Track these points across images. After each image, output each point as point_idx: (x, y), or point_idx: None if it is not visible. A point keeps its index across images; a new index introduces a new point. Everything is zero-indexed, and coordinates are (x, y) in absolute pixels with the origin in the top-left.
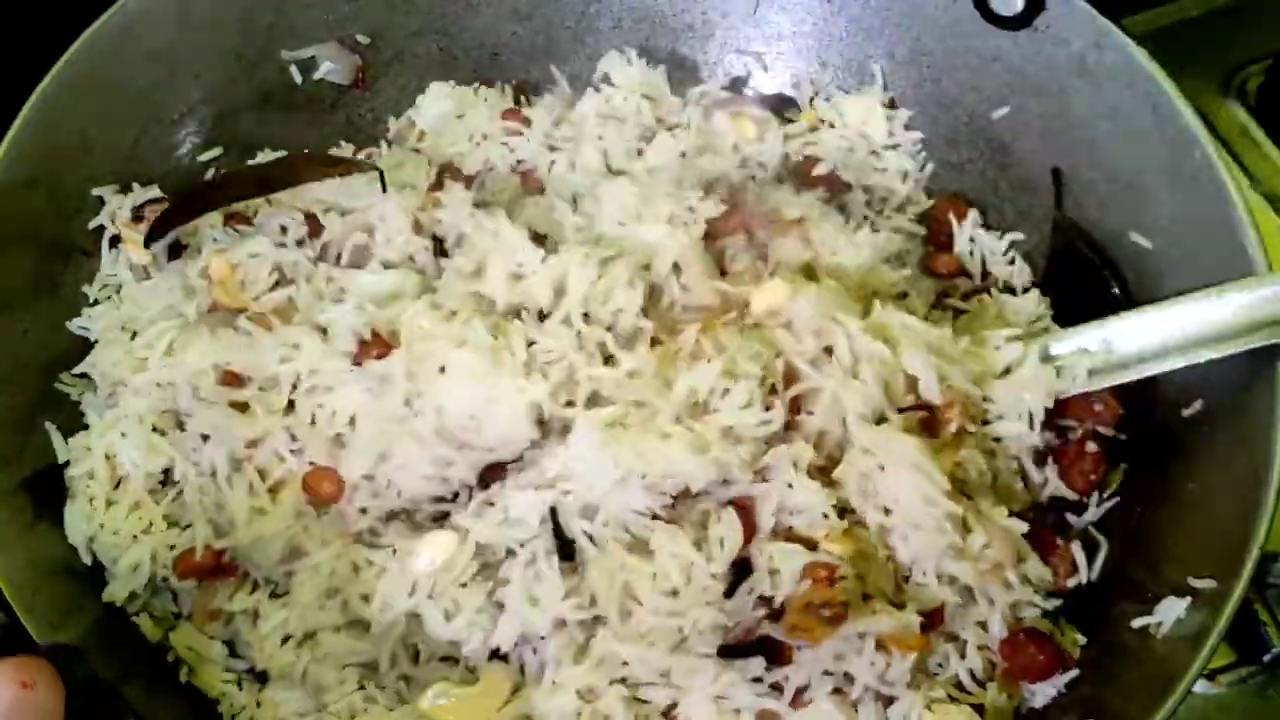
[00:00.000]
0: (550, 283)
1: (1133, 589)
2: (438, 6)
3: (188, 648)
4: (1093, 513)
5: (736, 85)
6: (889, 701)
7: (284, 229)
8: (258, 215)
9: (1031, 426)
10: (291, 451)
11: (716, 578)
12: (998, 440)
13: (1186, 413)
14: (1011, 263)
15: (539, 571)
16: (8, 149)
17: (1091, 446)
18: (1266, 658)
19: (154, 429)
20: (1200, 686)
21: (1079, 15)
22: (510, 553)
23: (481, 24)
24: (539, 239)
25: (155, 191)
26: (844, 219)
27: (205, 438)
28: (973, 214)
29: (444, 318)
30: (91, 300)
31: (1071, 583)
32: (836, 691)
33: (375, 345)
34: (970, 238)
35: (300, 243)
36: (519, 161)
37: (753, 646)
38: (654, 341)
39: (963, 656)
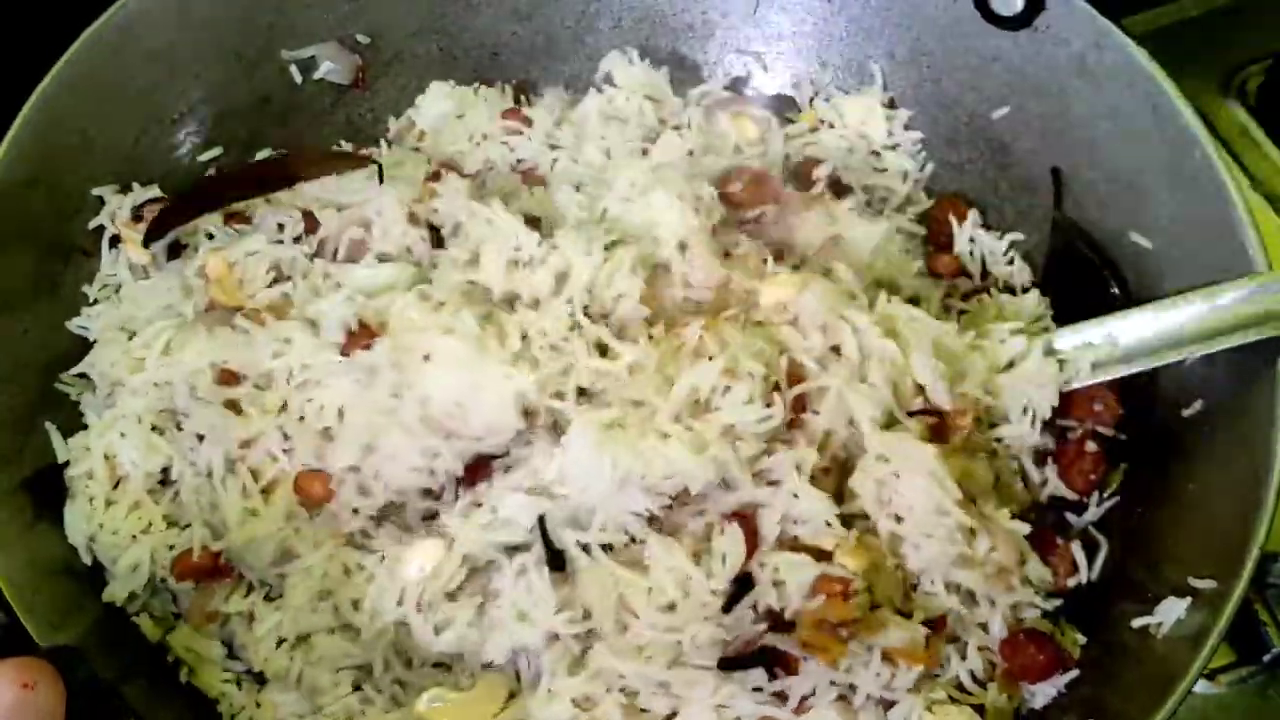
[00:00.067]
0: (550, 269)
1: (1133, 589)
2: (438, 6)
3: (186, 648)
4: (1093, 513)
5: (737, 85)
6: (889, 704)
7: (281, 226)
8: (255, 214)
9: (1034, 423)
10: (284, 451)
11: (716, 593)
12: (999, 440)
13: (1186, 413)
14: (1011, 263)
15: (530, 584)
16: (8, 149)
17: (1091, 446)
18: (1266, 658)
19: (153, 428)
20: (1200, 686)
21: (1079, 15)
22: (498, 560)
23: (481, 24)
24: (534, 222)
25: (155, 191)
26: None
27: (201, 438)
28: (973, 214)
29: (433, 308)
30: (91, 300)
31: (1072, 583)
32: (839, 699)
33: (362, 336)
34: (970, 238)
35: (297, 239)
36: (519, 160)
37: (753, 658)
38: (654, 334)
39: (963, 657)
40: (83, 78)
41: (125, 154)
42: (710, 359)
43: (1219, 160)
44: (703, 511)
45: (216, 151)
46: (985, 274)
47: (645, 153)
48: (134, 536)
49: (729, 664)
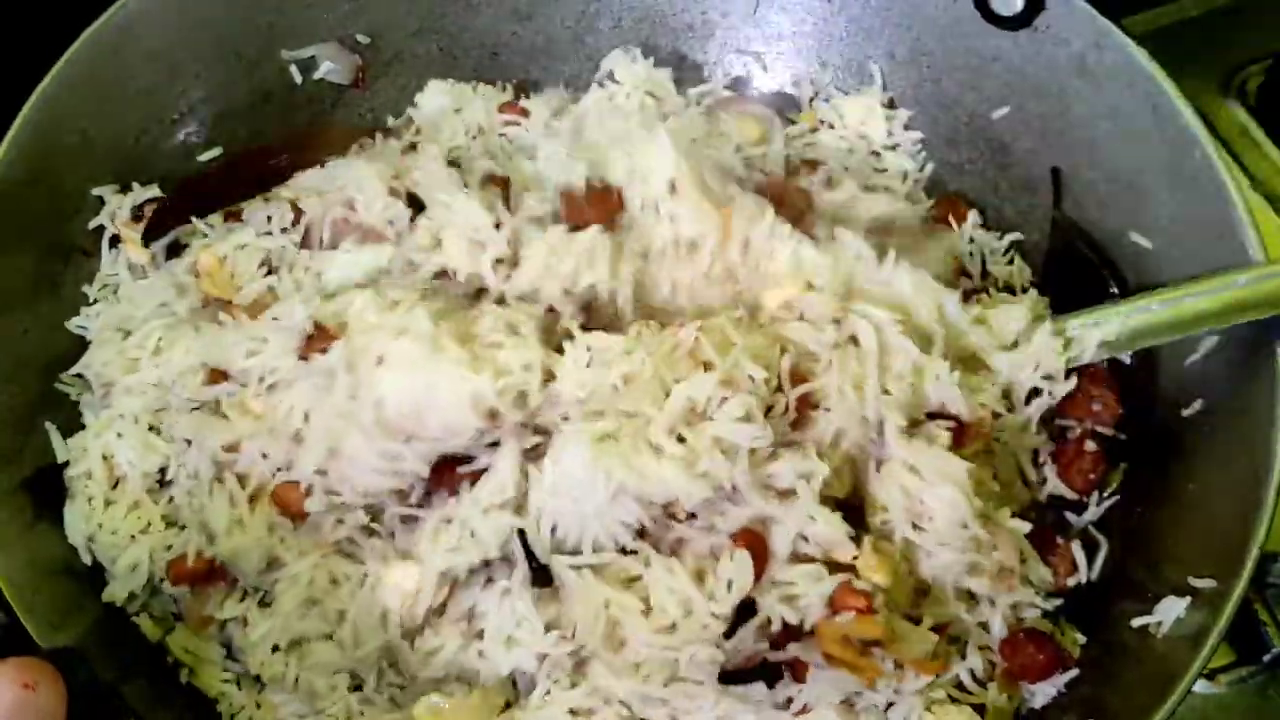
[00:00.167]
0: (515, 253)
1: (1133, 588)
2: (438, 6)
3: (185, 650)
4: (1093, 512)
5: (737, 85)
6: (889, 704)
7: (269, 219)
8: (245, 209)
9: (1050, 394)
10: (264, 455)
11: (718, 617)
12: (997, 439)
13: (1186, 413)
14: (1011, 262)
15: (514, 607)
16: (8, 149)
17: (1090, 446)
18: (1266, 658)
19: (150, 428)
20: (1200, 686)
21: (1079, 15)
22: (482, 570)
23: (481, 24)
24: (501, 182)
25: (155, 191)
26: None
27: (189, 442)
28: (973, 214)
29: (389, 307)
30: (91, 300)
31: (1072, 582)
32: (843, 703)
33: (320, 339)
34: (970, 238)
35: (285, 230)
36: (518, 151)
37: (754, 672)
38: (643, 330)
39: (963, 657)
40: (83, 78)
41: (125, 154)
42: (706, 366)
43: (1219, 160)
44: (711, 527)
45: (216, 151)
46: (985, 274)
47: None
48: (133, 536)
49: (729, 677)
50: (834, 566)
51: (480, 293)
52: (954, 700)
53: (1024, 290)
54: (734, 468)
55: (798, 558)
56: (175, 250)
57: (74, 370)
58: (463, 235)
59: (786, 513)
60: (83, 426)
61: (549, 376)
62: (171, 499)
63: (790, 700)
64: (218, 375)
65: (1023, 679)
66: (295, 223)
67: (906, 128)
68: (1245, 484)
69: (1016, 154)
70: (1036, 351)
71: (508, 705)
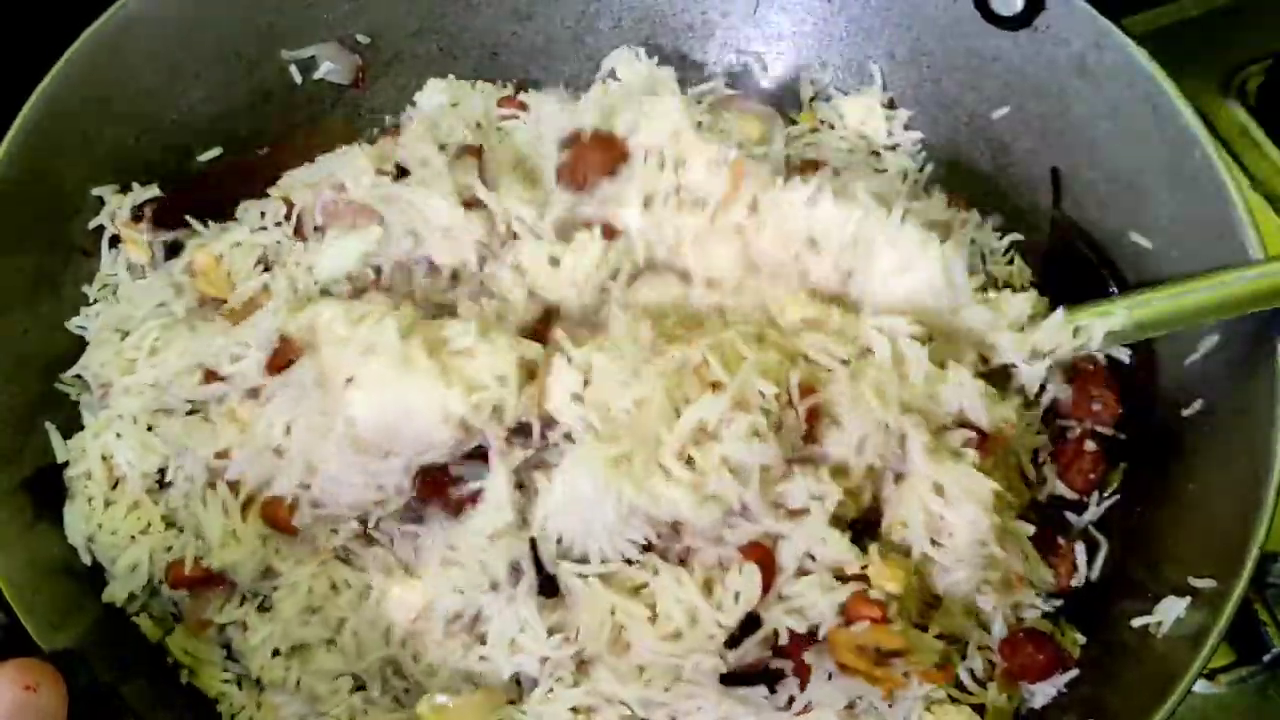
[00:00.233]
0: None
1: (1133, 588)
2: (438, 6)
3: (185, 651)
4: (1093, 512)
5: (737, 85)
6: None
7: (263, 214)
8: (239, 208)
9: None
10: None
11: (724, 628)
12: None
13: (1186, 413)
14: (1011, 262)
15: (518, 613)
16: (8, 149)
17: (1090, 445)
18: (1266, 658)
19: (149, 428)
20: (1200, 686)
21: (1079, 15)
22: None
23: (481, 24)
24: (475, 151)
25: (155, 191)
26: None
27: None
28: (973, 214)
29: (358, 320)
30: (91, 300)
31: (1073, 583)
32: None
33: (285, 352)
34: (970, 238)
35: (279, 224)
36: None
37: (756, 675)
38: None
39: (963, 657)
40: (83, 78)
41: (125, 154)
42: (715, 386)
43: (1219, 160)
44: (720, 539)
45: (216, 151)
46: (985, 274)
47: None
48: (133, 537)
49: (731, 679)
50: (844, 576)
51: (455, 278)
52: (954, 700)
53: (1024, 290)
54: (744, 490)
55: (804, 572)
56: (174, 250)
57: (73, 371)
58: (434, 225)
59: (796, 530)
60: (83, 427)
61: (531, 376)
62: (171, 500)
63: (792, 700)
64: (212, 376)
65: (1022, 679)
66: (288, 217)
67: (906, 128)
68: (1245, 484)
69: (1016, 154)
70: (1049, 333)
71: (510, 703)
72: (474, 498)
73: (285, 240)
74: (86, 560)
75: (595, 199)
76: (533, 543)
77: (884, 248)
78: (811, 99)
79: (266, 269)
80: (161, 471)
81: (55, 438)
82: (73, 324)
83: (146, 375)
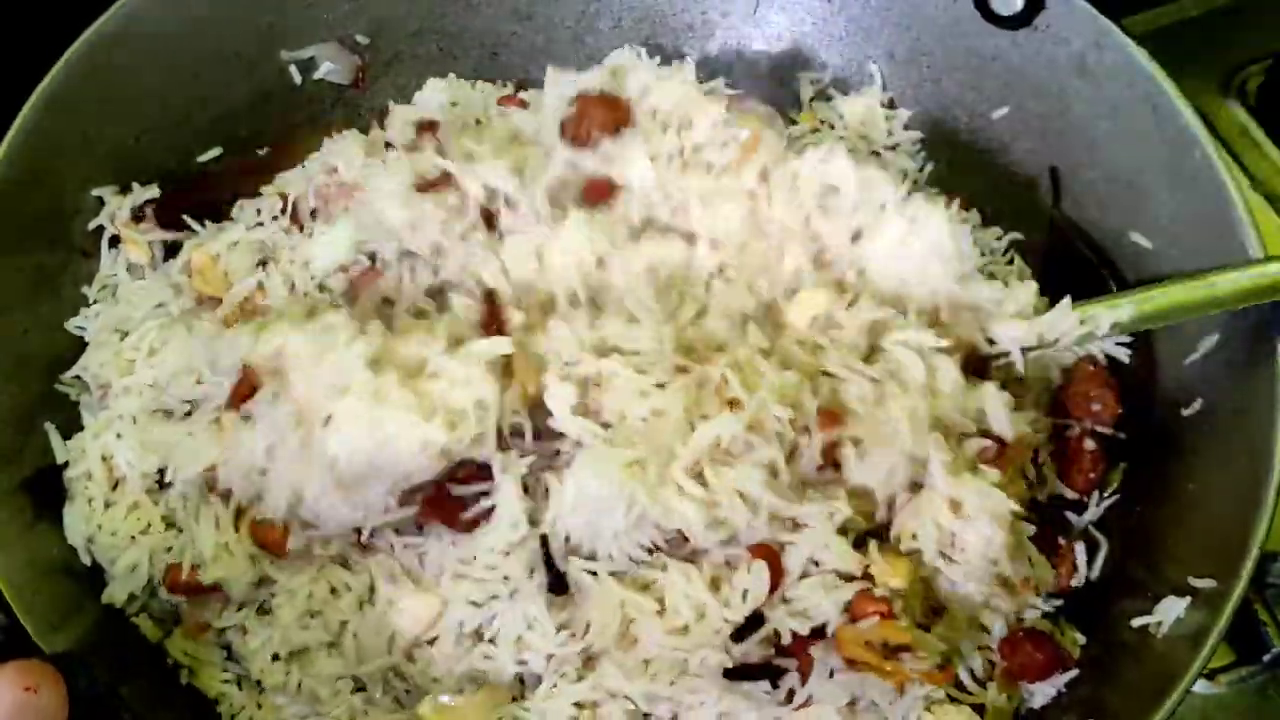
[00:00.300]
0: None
1: (1133, 588)
2: (438, 6)
3: (184, 652)
4: (1093, 512)
5: (737, 85)
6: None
7: (259, 210)
8: (235, 205)
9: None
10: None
11: (730, 623)
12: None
13: (1186, 412)
14: (1011, 262)
15: (526, 611)
16: (8, 149)
17: (1090, 445)
18: (1266, 658)
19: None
20: (1200, 686)
21: (1079, 15)
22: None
23: (481, 24)
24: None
25: (155, 192)
26: None
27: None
28: (973, 214)
29: (323, 352)
30: (91, 300)
31: (1073, 583)
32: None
33: (246, 383)
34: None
35: (275, 218)
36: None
37: (758, 669)
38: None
39: (962, 656)
40: (83, 78)
41: (125, 154)
42: (733, 404)
43: (1219, 160)
44: (729, 540)
45: (216, 151)
46: (985, 273)
47: None
48: (133, 537)
49: (733, 674)
50: (849, 576)
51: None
52: (953, 700)
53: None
54: (754, 516)
55: (807, 575)
56: (174, 251)
57: (72, 372)
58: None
59: (801, 538)
60: (82, 427)
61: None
62: (170, 500)
63: (792, 693)
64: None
65: (1022, 679)
66: (284, 210)
67: (906, 128)
68: (1245, 484)
69: (1016, 154)
70: (1055, 320)
71: (513, 700)
72: (486, 513)
73: (281, 236)
74: (86, 561)
75: (598, 155)
76: (543, 540)
77: (893, 214)
78: (811, 99)
79: (264, 266)
80: (161, 472)
81: (55, 438)
82: (72, 324)
83: (145, 376)
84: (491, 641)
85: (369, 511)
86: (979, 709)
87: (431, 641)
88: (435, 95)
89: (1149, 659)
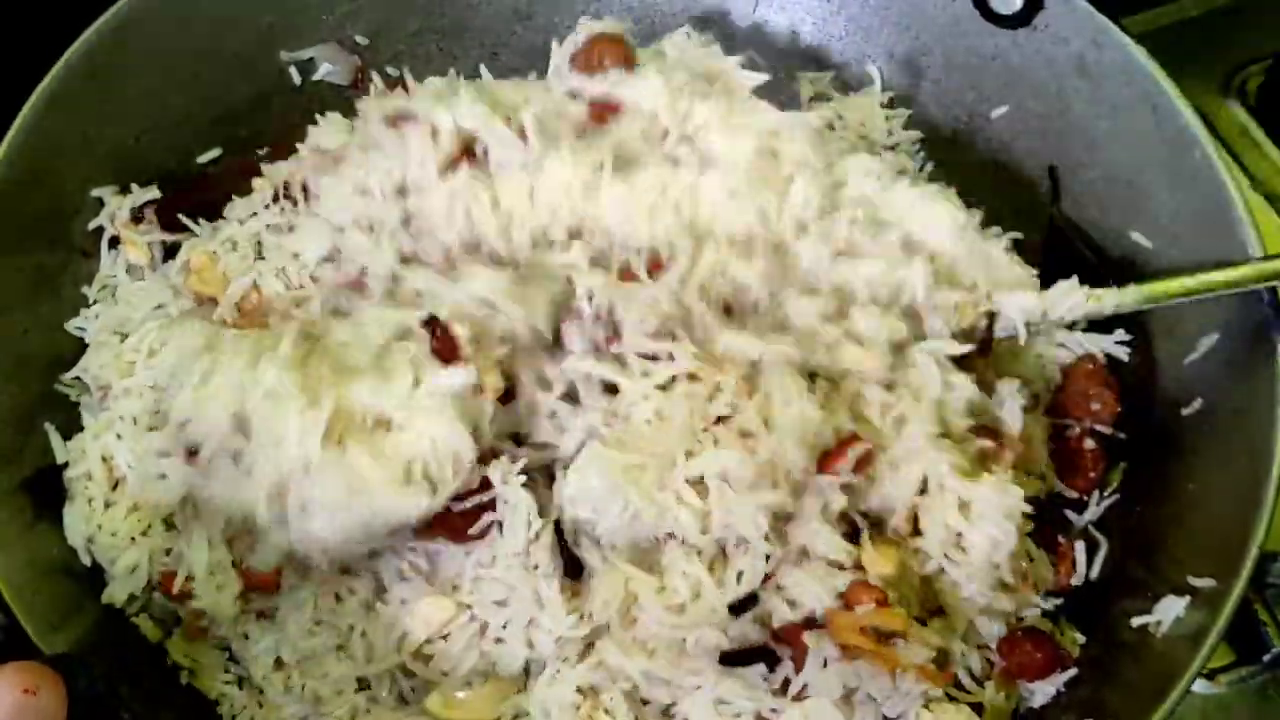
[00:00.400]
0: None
1: (1132, 587)
2: (438, 7)
3: (184, 653)
4: (1093, 511)
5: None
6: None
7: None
8: (229, 204)
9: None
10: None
11: (726, 603)
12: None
13: (1186, 412)
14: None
15: (540, 593)
16: (8, 149)
17: (1089, 443)
18: (1266, 658)
19: (150, 429)
20: (1200, 686)
21: (1078, 14)
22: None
23: (481, 24)
24: None
25: (154, 193)
26: None
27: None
28: (973, 214)
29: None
30: (91, 301)
31: (1072, 581)
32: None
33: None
34: None
35: (267, 207)
36: None
37: (754, 653)
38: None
39: (961, 655)
40: (83, 78)
41: (125, 154)
42: (745, 435)
43: (1218, 159)
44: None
45: (216, 152)
46: None
47: None
48: (133, 538)
49: (730, 658)
50: (842, 566)
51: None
52: (951, 699)
53: None
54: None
55: (800, 561)
56: (173, 252)
57: (72, 373)
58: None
59: (794, 531)
60: (82, 428)
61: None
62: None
63: (787, 682)
64: None
65: (1020, 677)
66: (276, 199)
67: (906, 127)
68: (1245, 484)
69: (1016, 153)
70: (1061, 296)
71: (518, 692)
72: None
73: (272, 232)
74: (86, 561)
75: (607, 79)
76: (557, 524)
77: (903, 190)
78: (811, 99)
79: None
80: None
81: (55, 439)
82: (72, 326)
83: (146, 377)
84: (504, 627)
85: (368, 544)
86: (977, 708)
87: (444, 638)
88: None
89: (1148, 658)
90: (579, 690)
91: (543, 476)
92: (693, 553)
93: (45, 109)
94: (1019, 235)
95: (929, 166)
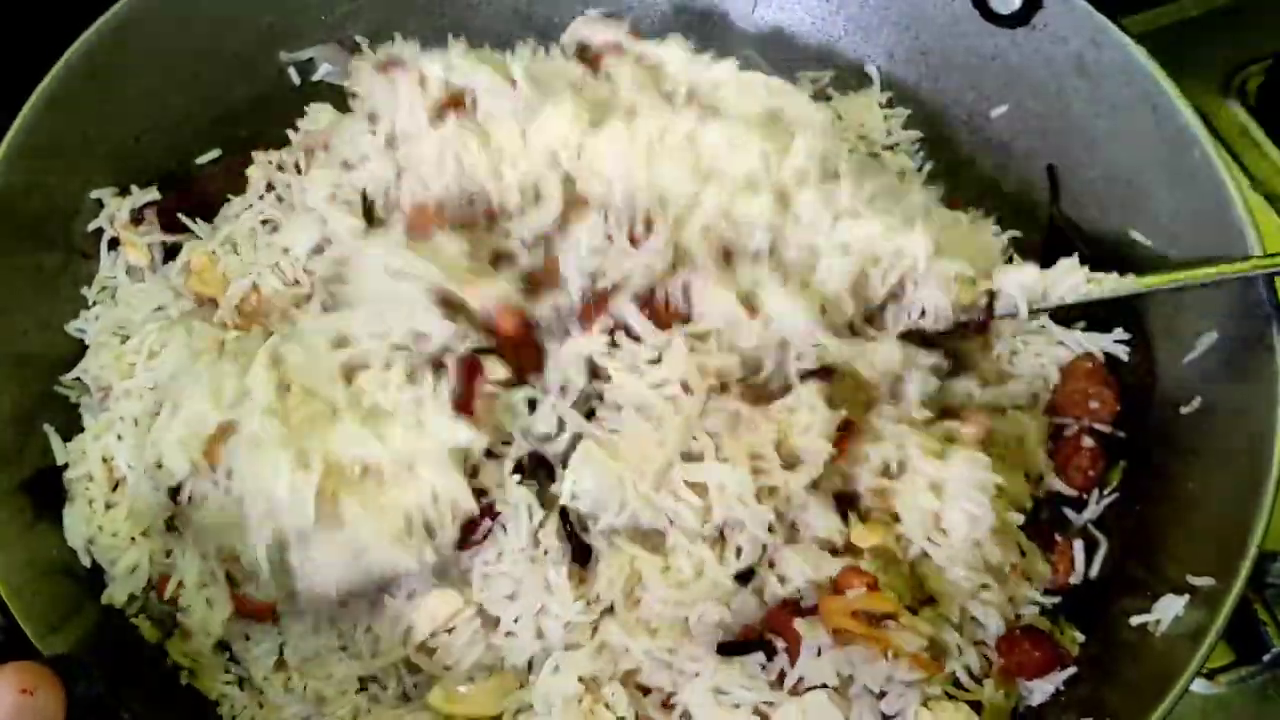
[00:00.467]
0: None
1: (1132, 586)
2: (438, 7)
3: (184, 654)
4: (1092, 510)
5: None
6: (881, 693)
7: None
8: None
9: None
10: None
11: (728, 579)
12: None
13: (1185, 411)
14: (1010, 261)
15: (549, 579)
16: (8, 149)
17: (1088, 441)
18: (1266, 657)
19: (150, 431)
20: (1200, 686)
21: (1077, 13)
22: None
23: (481, 24)
24: None
25: (154, 194)
26: None
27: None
28: (971, 213)
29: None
30: (90, 302)
31: (1072, 580)
32: (836, 688)
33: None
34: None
35: (262, 197)
36: None
37: (751, 644)
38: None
39: (959, 653)
40: (83, 78)
41: (125, 155)
42: (755, 457)
43: (1218, 158)
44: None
45: (216, 152)
46: None
47: None
48: (133, 539)
49: (728, 649)
50: (834, 549)
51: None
52: (950, 697)
53: None
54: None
55: (792, 540)
56: (173, 253)
57: (73, 374)
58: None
59: (787, 509)
60: (82, 429)
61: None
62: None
63: (783, 675)
64: None
65: (1020, 676)
66: (270, 188)
67: (905, 127)
68: (1244, 483)
69: (1015, 152)
70: (1060, 275)
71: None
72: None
73: (264, 230)
74: (86, 562)
75: (622, 27)
76: (563, 511)
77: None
78: (811, 99)
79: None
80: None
81: (55, 439)
82: (72, 327)
83: (147, 378)
84: (515, 620)
85: (371, 588)
86: (976, 706)
87: (449, 631)
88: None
89: (1148, 657)
90: (581, 681)
91: (541, 469)
92: (695, 536)
93: (45, 109)
94: (1019, 235)
95: (928, 166)
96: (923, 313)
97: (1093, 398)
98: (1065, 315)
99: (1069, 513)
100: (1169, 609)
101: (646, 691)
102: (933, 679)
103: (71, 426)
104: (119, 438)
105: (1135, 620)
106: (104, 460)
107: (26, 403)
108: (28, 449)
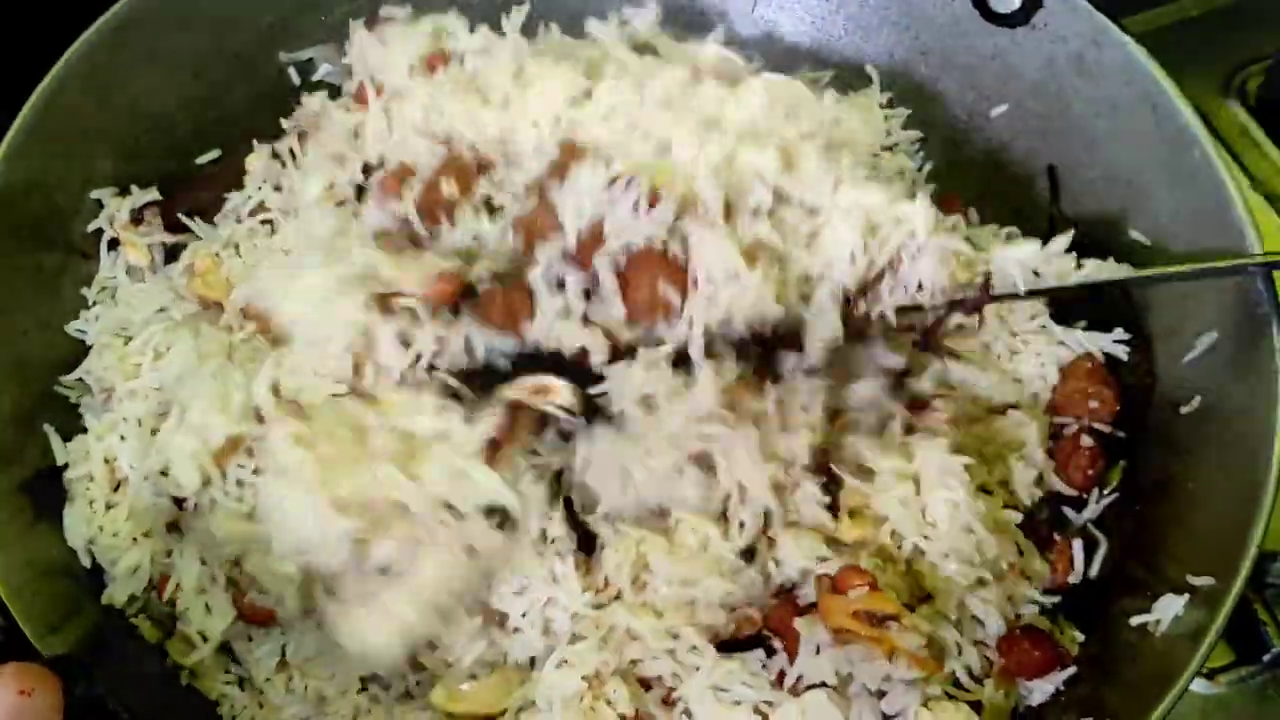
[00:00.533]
0: None
1: (1131, 586)
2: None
3: (184, 654)
4: (1092, 509)
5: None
6: (881, 693)
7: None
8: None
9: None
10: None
11: (733, 554)
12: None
13: (1185, 410)
14: None
15: (555, 570)
16: (8, 149)
17: (1087, 441)
18: (1266, 657)
19: (153, 432)
20: (1200, 686)
21: (1077, 13)
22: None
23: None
24: None
25: (154, 194)
26: None
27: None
28: (971, 212)
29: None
30: (90, 303)
31: (1071, 580)
32: (835, 688)
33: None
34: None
35: (259, 187)
36: None
37: (751, 641)
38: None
39: (959, 653)
40: (83, 78)
41: (125, 154)
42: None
43: (1218, 158)
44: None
45: (216, 152)
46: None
47: None
48: (134, 539)
49: (727, 646)
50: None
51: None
52: (950, 697)
53: None
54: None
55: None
56: (173, 254)
57: (75, 374)
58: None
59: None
60: (82, 429)
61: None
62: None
63: (783, 674)
64: None
65: (1019, 676)
66: (265, 181)
67: (905, 127)
68: (1244, 483)
69: (1015, 152)
70: (1054, 253)
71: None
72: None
73: (263, 235)
74: (86, 563)
75: None
76: (567, 501)
77: None
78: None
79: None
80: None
81: (55, 440)
82: (72, 328)
83: (151, 379)
84: (523, 615)
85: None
86: (976, 706)
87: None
88: None
89: (1147, 657)
90: (583, 679)
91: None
92: (700, 515)
93: (45, 109)
94: (1018, 233)
95: (928, 166)
96: (919, 287)
97: (1092, 397)
98: (1065, 315)
99: (1068, 512)
100: (1169, 609)
101: (648, 687)
102: (932, 679)
103: (71, 427)
104: (122, 439)
105: (1135, 620)
106: (106, 461)
107: (26, 403)
108: (28, 449)
